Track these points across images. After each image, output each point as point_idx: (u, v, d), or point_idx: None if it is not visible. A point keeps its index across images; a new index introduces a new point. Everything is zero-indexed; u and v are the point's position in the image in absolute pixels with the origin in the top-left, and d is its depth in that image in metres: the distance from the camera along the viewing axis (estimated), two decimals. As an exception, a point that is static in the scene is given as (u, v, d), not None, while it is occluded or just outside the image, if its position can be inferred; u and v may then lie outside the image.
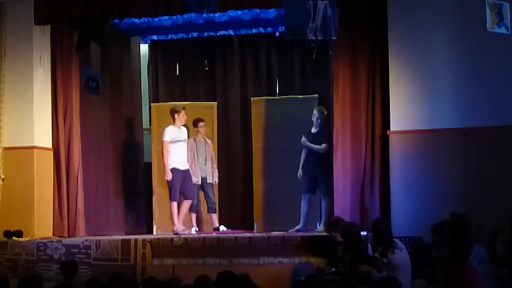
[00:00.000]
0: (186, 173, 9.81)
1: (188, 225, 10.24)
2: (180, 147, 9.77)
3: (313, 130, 9.71)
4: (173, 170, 9.64)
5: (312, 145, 9.59)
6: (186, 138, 9.93)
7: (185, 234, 9.34)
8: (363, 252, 6.87)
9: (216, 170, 10.28)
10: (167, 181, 9.67)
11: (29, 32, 9.65)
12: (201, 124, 10.19)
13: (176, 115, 9.79)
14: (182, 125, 9.93)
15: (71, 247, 8.83)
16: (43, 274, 8.34)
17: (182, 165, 9.77)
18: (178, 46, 11.51)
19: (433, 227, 6.89)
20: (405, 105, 8.72)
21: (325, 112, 9.72)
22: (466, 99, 8.54)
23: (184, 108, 9.89)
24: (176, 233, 9.46)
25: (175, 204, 9.72)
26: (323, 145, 9.49)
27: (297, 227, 9.53)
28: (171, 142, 9.68)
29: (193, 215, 10.17)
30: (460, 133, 8.51)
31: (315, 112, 9.72)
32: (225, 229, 10.04)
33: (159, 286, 5.91)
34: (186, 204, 9.84)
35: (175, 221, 9.70)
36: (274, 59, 11.26)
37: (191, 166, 9.98)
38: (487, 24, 7.54)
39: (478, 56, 8.51)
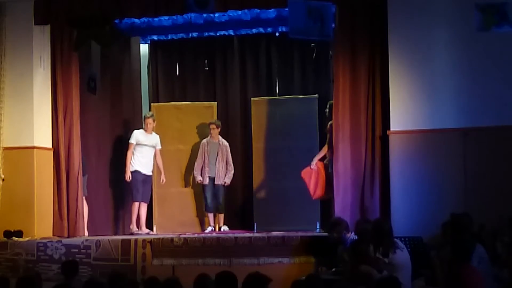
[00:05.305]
0: (147, 178, 10.12)
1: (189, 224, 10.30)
2: (144, 152, 10.06)
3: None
4: (135, 172, 9.95)
5: None
6: (154, 144, 10.18)
7: (139, 234, 9.56)
8: (364, 251, 6.87)
9: (231, 172, 10.37)
10: (128, 182, 10.01)
11: (29, 32, 9.63)
12: (211, 126, 10.43)
13: (145, 120, 10.17)
14: (154, 132, 10.23)
15: (71, 247, 8.83)
16: (43, 274, 8.31)
17: (144, 169, 10.03)
18: (178, 46, 11.51)
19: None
20: (405, 105, 8.71)
21: None
22: (466, 99, 8.52)
23: (152, 116, 10.17)
24: (132, 233, 9.81)
25: (137, 204, 10.03)
26: None
27: None
28: (136, 144, 9.99)
29: (210, 215, 10.30)
30: (460, 133, 8.49)
31: None
32: (211, 229, 10.13)
33: (159, 286, 5.90)
34: (144, 207, 10.13)
35: (134, 220, 9.99)
36: (274, 59, 11.26)
37: (201, 166, 10.18)
38: (477, 25, 7.51)
39: (478, 56, 8.49)
